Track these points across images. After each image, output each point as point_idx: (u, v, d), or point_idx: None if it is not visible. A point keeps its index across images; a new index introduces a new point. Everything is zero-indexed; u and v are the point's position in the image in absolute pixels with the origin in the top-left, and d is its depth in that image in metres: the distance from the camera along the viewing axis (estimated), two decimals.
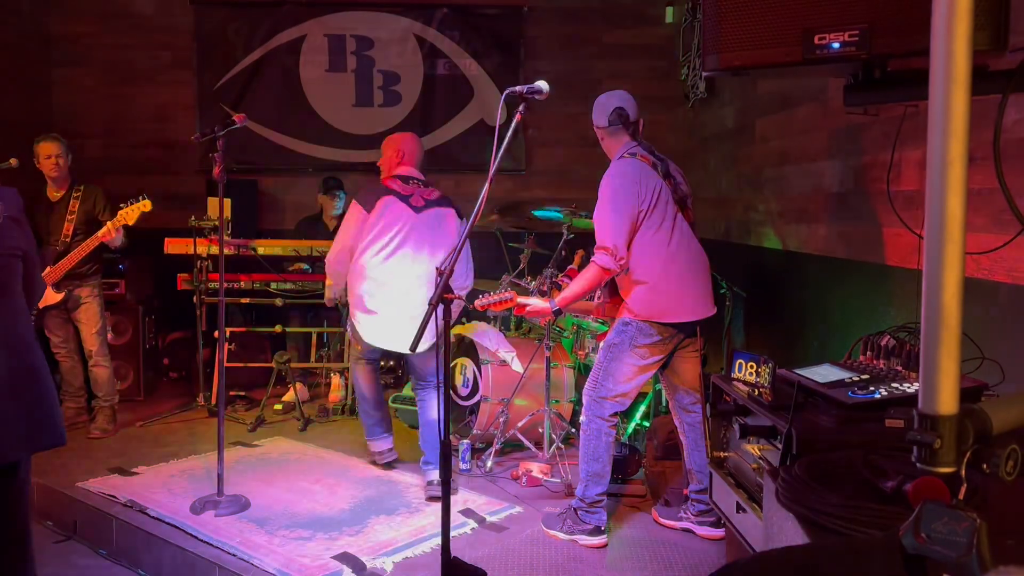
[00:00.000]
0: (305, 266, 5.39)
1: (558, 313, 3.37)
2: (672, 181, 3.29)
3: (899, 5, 1.54)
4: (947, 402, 1.00)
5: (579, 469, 3.35)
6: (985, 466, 1.02)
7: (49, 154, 4.60)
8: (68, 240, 4.63)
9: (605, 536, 3.28)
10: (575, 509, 3.30)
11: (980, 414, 1.03)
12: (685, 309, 3.21)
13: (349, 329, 4.04)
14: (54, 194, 4.71)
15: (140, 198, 4.48)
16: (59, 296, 4.64)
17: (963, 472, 1.02)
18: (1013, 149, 2.25)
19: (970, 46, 0.98)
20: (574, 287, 3.25)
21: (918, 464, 1.02)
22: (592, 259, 3.19)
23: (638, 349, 3.19)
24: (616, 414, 3.29)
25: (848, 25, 1.57)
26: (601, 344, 3.36)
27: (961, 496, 1.03)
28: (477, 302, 3.52)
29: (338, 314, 5.31)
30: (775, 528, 1.54)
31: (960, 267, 0.99)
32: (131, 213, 4.44)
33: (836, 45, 1.58)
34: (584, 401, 3.33)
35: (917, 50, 1.51)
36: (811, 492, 1.41)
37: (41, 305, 4.67)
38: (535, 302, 3.38)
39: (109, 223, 4.46)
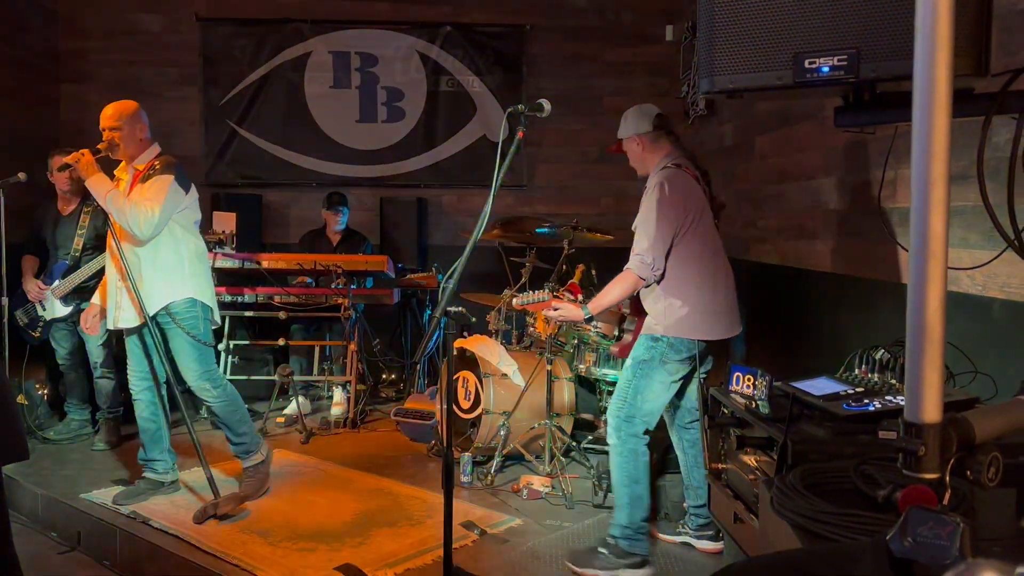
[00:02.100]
0: (309, 279, 5.44)
1: (590, 320, 3.27)
2: (710, 194, 3.22)
3: (886, 31, 1.59)
4: (931, 411, 1.04)
5: (616, 496, 3.15)
6: (968, 473, 1.06)
7: (63, 167, 4.67)
8: (78, 255, 4.69)
9: (653, 567, 3.11)
10: (617, 540, 3.11)
11: (963, 423, 1.07)
12: (717, 327, 3.13)
13: (199, 322, 3.70)
14: (64, 208, 4.77)
15: None
16: (68, 309, 4.69)
17: (947, 478, 1.06)
18: (1005, 168, 2.30)
19: (951, 72, 1.03)
20: (608, 295, 3.15)
21: (904, 471, 1.06)
22: (627, 267, 3.08)
23: (668, 365, 3.09)
24: (647, 431, 3.14)
25: (837, 50, 1.62)
26: (626, 362, 3.23)
27: (945, 501, 1.07)
28: (515, 301, 3.49)
29: (342, 327, 5.36)
30: (770, 535, 1.57)
31: (942, 282, 1.03)
32: None
33: (826, 69, 1.63)
34: (612, 423, 3.16)
35: (902, 75, 1.56)
36: (805, 500, 1.45)
37: (49, 318, 4.72)
38: (567, 307, 3.28)
39: None
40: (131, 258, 3.64)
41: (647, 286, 3.13)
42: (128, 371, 3.86)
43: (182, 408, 3.72)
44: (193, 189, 3.77)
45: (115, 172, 3.79)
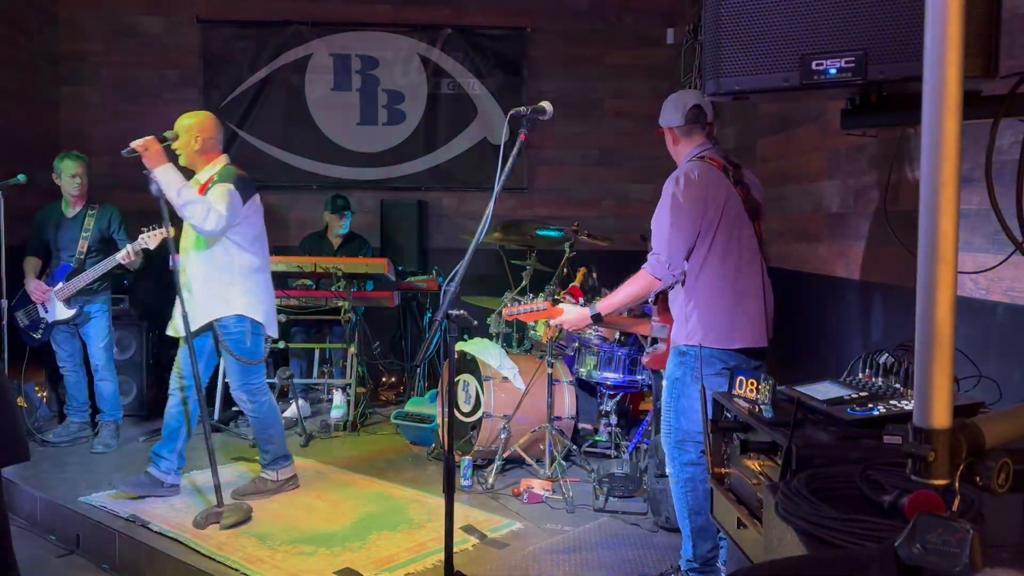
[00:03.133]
0: (309, 282, 5.42)
1: (598, 318, 3.05)
2: (744, 189, 2.93)
3: (894, 32, 1.58)
4: (941, 416, 1.03)
5: (681, 527, 2.98)
6: (978, 479, 1.04)
7: (74, 173, 4.67)
8: (83, 257, 4.68)
9: None
10: (686, 572, 2.96)
11: (973, 428, 1.06)
12: (748, 334, 2.85)
13: (246, 337, 3.77)
14: (69, 210, 4.77)
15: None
16: (71, 312, 4.68)
17: (957, 484, 1.04)
18: (1009, 171, 2.29)
19: (961, 73, 1.02)
20: (619, 294, 2.95)
21: (913, 476, 1.05)
22: (643, 266, 2.88)
23: (705, 379, 2.72)
24: (704, 452, 2.86)
25: (844, 51, 1.61)
26: (663, 384, 3.02)
27: (955, 508, 1.06)
28: (505, 311, 3.35)
29: (342, 330, 5.34)
30: (775, 541, 1.56)
31: (952, 286, 1.02)
32: (153, 238, 4.48)
33: (833, 71, 1.62)
34: (667, 452, 2.98)
35: (911, 77, 1.55)
36: (810, 506, 1.43)
37: (51, 320, 4.71)
38: (571, 309, 3.10)
39: (129, 247, 4.49)
40: (188, 269, 3.74)
41: (670, 288, 2.93)
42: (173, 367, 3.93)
43: (203, 410, 3.71)
44: (255, 202, 3.85)
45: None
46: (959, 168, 1.02)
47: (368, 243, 5.97)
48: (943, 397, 1.03)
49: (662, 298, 3.08)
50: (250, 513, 3.60)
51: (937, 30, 1.02)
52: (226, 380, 5.26)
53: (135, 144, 3.48)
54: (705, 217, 2.82)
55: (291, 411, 5.29)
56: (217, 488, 3.58)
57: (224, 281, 3.75)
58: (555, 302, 4.19)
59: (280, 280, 5.35)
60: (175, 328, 3.79)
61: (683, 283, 2.90)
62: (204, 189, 3.73)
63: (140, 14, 6.40)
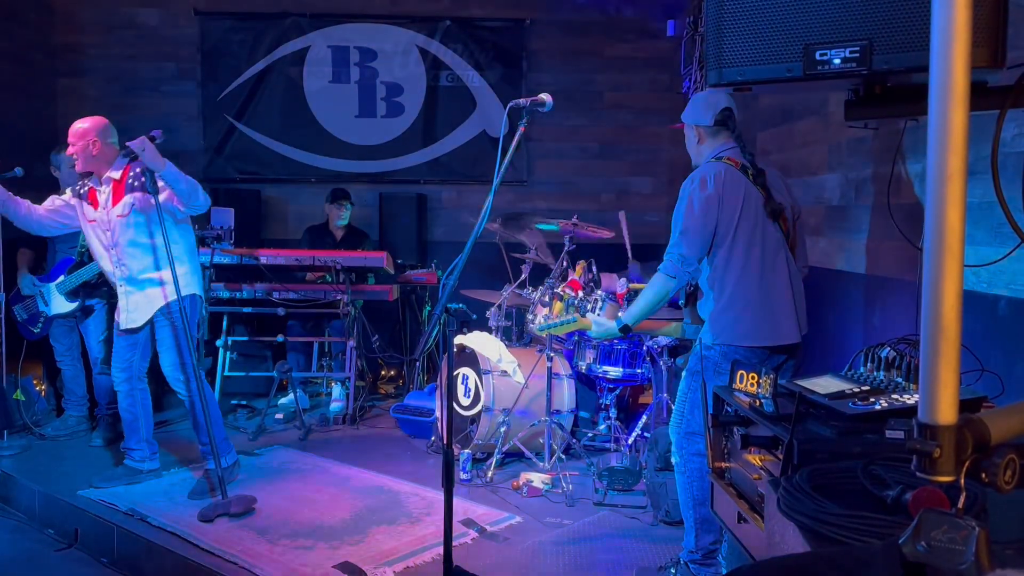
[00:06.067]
0: (328, 276, 5.39)
1: (626, 330, 3.01)
2: (766, 189, 2.91)
3: (899, 22, 1.56)
4: (946, 412, 1.02)
5: (684, 518, 2.98)
6: (984, 475, 1.03)
7: (74, 164, 4.63)
8: (84, 250, 4.67)
9: None
10: (687, 563, 2.94)
11: (979, 424, 1.04)
12: (774, 331, 2.83)
13: (195, 322, 3.94)
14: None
15: None
16: (72, 306, 4.66)
17: (962, 481, 1.03)
18: (1013, 163, 2.27)
19: (968, 63, 1.00)
20: (640, 302, 2.92)
21: (918, 473, 1.03)
22: (658, 268, 2.87)
23: (723, 376, 2.70)
24: None
25: (848, 42, 1.59)
26: (683, 373, 3.02)
27: (960, 505, 1.04)
28: (537, 328, 3.28)
29: (341, 323, 5.33)
30: (776, 537, 1.55)
31: (959, 279, 1.01)
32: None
33: (837, 61, 1.60)
34: (674, 441, 2.96)
35: (917, 67, 1.54)
36: (812, 501, 1.42)
37: (52, 313, 4.69)
38: (598, 326, 3.05)
39: None
40: (131, 263, 3.82)
41: (690, 286, 2.93)
42: (113, 362, 4.00)
43: (208, 401, 3.80)
44: None
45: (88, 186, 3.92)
46: (966, 160, 1.01)
47: (368, 237, 5.95)
48: (949, 393, 1.01)
49: (694, 301, 3.06)
50: (253, 504, 3.60)
51: (944, 19, 1.00)
52: (228, 373, 5.30)
53: (134, 145, 3.54)
54: (720, 217, 2.81)
55: (290, 404, 5.26)
56: (220, 480, 3.59)
57: (182, 261, 3.83)
58: (554, 295, 4.18)
59: (280, 273, 5.32)
60: (129, 321, 3.86)
61: (709, 283, 2.89)
62: (123, 185, 3.81)
63: (137, 6, 6.36)
